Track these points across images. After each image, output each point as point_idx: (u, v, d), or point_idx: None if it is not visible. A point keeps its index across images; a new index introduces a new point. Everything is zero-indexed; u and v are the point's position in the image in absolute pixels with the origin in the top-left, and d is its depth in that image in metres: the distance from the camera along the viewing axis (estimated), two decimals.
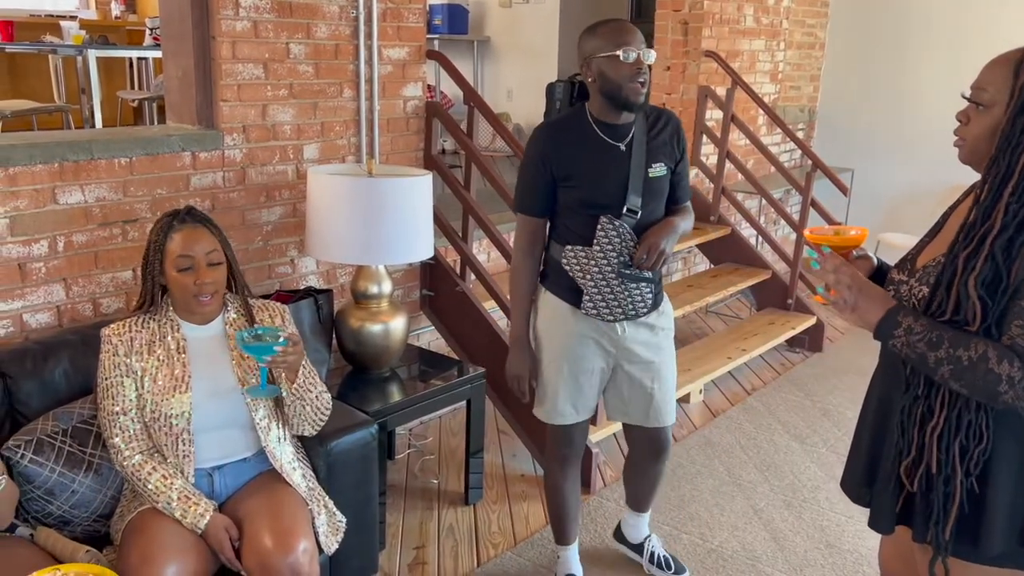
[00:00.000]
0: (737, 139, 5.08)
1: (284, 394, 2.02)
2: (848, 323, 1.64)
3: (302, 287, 3.03)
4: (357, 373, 2.92)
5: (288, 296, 2.81)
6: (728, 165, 4.85)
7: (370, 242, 2.65)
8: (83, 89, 5.46)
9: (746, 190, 5.11)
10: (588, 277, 2.20)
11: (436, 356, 3.22)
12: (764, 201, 5.05)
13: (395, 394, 2.81)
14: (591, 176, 2.17)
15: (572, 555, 2.61)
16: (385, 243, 2.66)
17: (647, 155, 2.18)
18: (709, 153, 4.99)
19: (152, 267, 1.99)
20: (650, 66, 2.13)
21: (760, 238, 5.08)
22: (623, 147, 2.18)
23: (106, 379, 1.96)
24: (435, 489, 3.19)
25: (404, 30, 3.25)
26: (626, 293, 2.21)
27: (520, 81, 7.63)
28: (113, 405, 1.95)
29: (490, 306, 3.40)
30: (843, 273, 1.43)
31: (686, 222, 2.30)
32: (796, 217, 4.80)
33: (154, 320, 2.02)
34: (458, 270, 3.47)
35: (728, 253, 4.96)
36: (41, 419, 2.06)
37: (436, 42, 7.18)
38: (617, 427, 3.43)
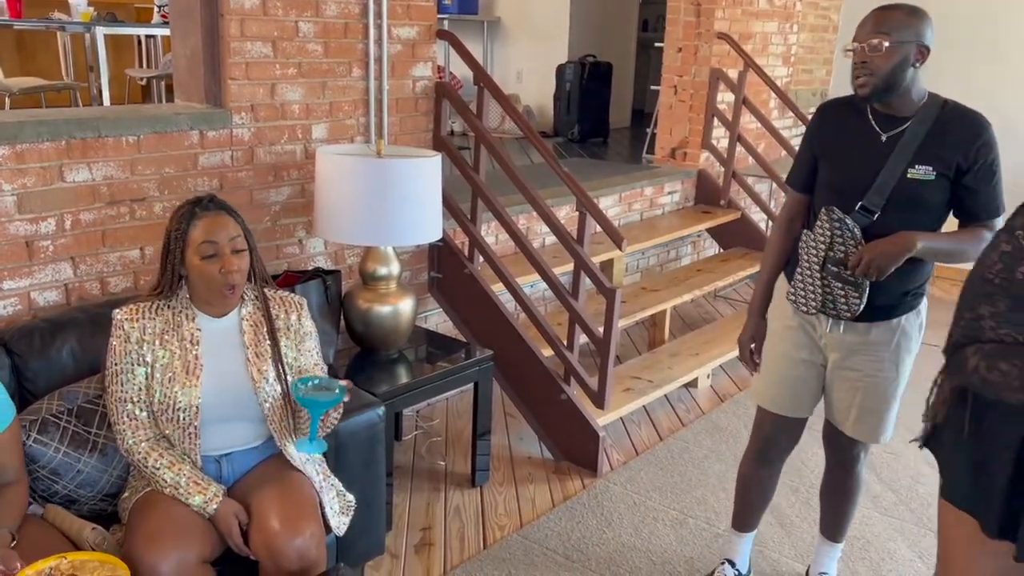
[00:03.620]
0: (748, 122, 5.03)
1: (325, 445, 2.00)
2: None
3: (310, 268, 3.02)
4: (365, 354, 2.91)
5: (296, 277, 2.80)
6: (739, 149, 4.81)
7: (378, 223, 2.63)
8: (91, 67, 5.44)
9: (757, 174, 5.06)
10: (801, 263, 2.13)
11: (444, 338, 3.21)
12: (775, 185, 5.01)
13: (402, 376, 2.81)
14: (841, 159, 2.10)
15: (741, 544, 2.57)
16: (393, 224, 2.65)
17: (915, 153, 1.98)
18: (720, 136, 4.94)
19: (173, 256, 1.93)
20: (889, 47, 1.93)
21: (770, 222, 5.05)
22: (885, 138, 2.02)
23: (116, 365, 1.93)
24: (442, 471, 3.19)
25: (414, 9, 3.22)
26: (827, 289, 2.09)
27: (530, 62, 7.58)
28: (121, 392, 1.93)
29: (498, 289, 3.39)
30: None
31: (957, 243, 2.01)
32: None
33: (169, 308, 1.98)
34: (466, 252, 3.45)
35: (738, 237, 4.93)
36: (47, 398, 2.06)
37: (446, 22, 7.14)
38: (624, 411, 3.43)
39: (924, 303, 2.19)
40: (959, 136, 1.97)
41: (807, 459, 3.35)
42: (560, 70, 7.06)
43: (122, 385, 1.93)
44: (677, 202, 4.96)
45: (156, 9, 6.55)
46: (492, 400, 3.08)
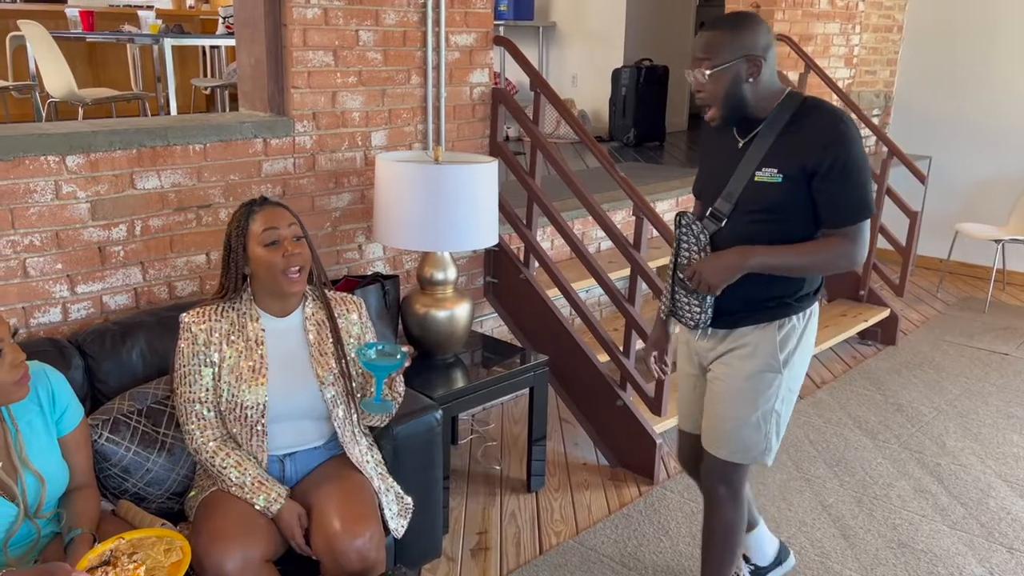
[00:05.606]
0: None
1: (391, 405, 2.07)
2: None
3: (369, 273, 3.07)
4: (422, 358, 2.93)
5: (356, 282, 2.85)
6: None
7: (436, 229, 2.66)
8: (159, 77, 5.61)
9: None
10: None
11: (499, 343, 3.22)
12: None
13: (459, 380, 2.83)
14: (707, 166, 2.09)
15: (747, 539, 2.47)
16: (451, 230, 2.67)
17: (763, 156, 1.90)
18: None
19: (235, 253, 2.00)
20: (712, 74, 1.86)
21: None
22: (741, 143, 1.95)
23: (184, 367, 1.99)
24: (497, 475, 3.20)
25: (471, 16, 3.24)
26: (676, 296, 2.06)
27: (585, 67, 7.56)
28: (189, 393, 1.98)
29: (553, 294, 3.38)
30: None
31: (801, 256, 1.91)
32: None
33: (233, 309, 2.04)
34: (522, 257, 3.46)
35: None
36: (118, 398, 2.13)
37: (501, 28, 7.16)
38: None
39: (801, 316, 2.02)
40: (807, 136, 1.86)
41: (870, 469, 3.27)
42: (616, 74, 7.03)
43: (190, 386, 1.98)
44: None
45: (221, 20, 6.73)
46: (547, 405, 3.08)
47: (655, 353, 2.29)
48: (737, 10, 1.90)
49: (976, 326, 4.99)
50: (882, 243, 4.68)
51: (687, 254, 2.00)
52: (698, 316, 2.01)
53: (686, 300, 2.02)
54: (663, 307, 2.15)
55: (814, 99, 1.93)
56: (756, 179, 1.90)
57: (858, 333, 4.56)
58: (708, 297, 1.97)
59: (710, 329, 2.05)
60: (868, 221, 1.90)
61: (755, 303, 1.99)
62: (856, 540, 2.82)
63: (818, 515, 2.96)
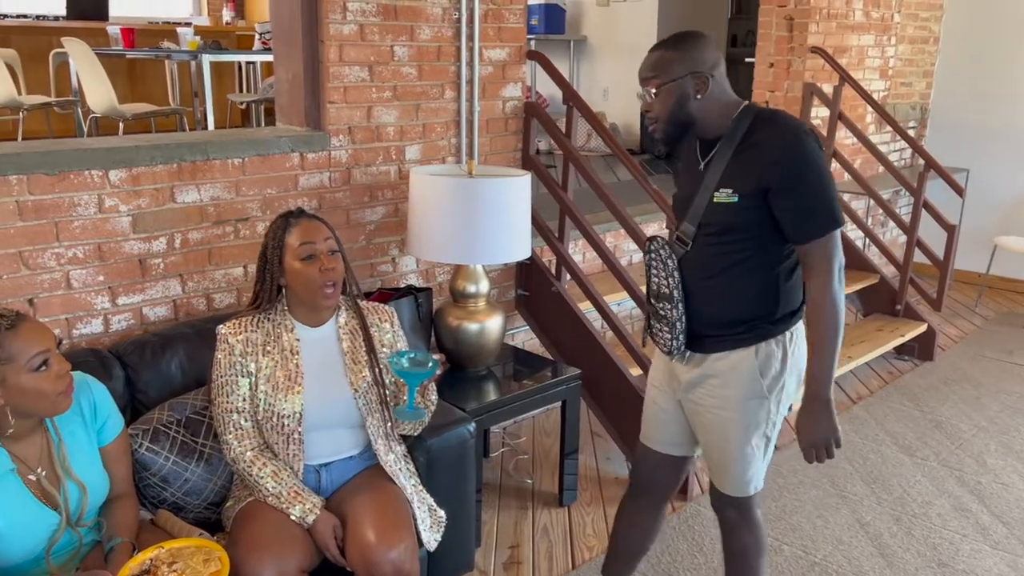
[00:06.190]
0: (844, 137, 4.90)
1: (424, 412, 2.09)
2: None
3: (403, 285, 3.09)
4: (454, 371, 2.94)
5: (389, 294, 2.87)
6: (834, 164, 4.68)
7: (469, 242, 2.67)
8: (196, 92, 5.71)
9: (853, 191, 4.91)
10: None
11: (531, 356, 3.22)
12: (872, 202, 4.86)
13: (491, 393, 2.83)
14: (676, 190, 2.04)
15: None
16: (484, 243, 2.68)
17: (720, 176, 1.85)
18: None
19: (271, 265, 2.03)
20: (659, 93, 1.85)
21: (868, 241, 4.89)
22: (703, 164, 1.90)
23: (221, 377, 2.02)
24: (529, 489, 3.20)
25: (505, 31, 3.26)
26: (650, 320, 2.02)
27: (616, 80, 7.56)
28: (227, 403, 2.01)
29: (585, 307, 3.38)
30: None
31: (819, 334, 1.83)
32: (907, 219, 4.59)
33: (269, 320, 2.07)
34: (553, 270, 3.46)
35: None
36: (158, 409, 2.16)
37: (533, 42, 7.20)
38: None
39: (779, 341, 1.93)
40: (759, 152, 1.80)
41: (909, 486, 3.21)
42: None
43: (227, 396, 2.01)
44: None
45: (257, 36, 6.84)
46: (579, 419, 3.07)
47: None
48: (685, 30, 1.88)
49: (1016, 341, 4.89)
50: (919, 257, 4.61)
51: (656, 279, 1.96)
52: (671, 343, 1.96)
53: (658, 326, 1.98)
54: (644, 332, 2.10)
55: (768, 112, 1.88)
56: (715, 200, 1.85)
57: (895, 348, 4.49)
58: (678, 323, 1.93)
59: (687, 353, 1.98)
60: (838, 233, 1.82)
61: (727, 326, 1.92)
62: (894, 559, 2.77)
63: (855, 533, 2.92)
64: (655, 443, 2.16)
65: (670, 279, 1.92)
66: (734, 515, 2.10)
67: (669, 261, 1.92)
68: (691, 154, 1.96)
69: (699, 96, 1.84)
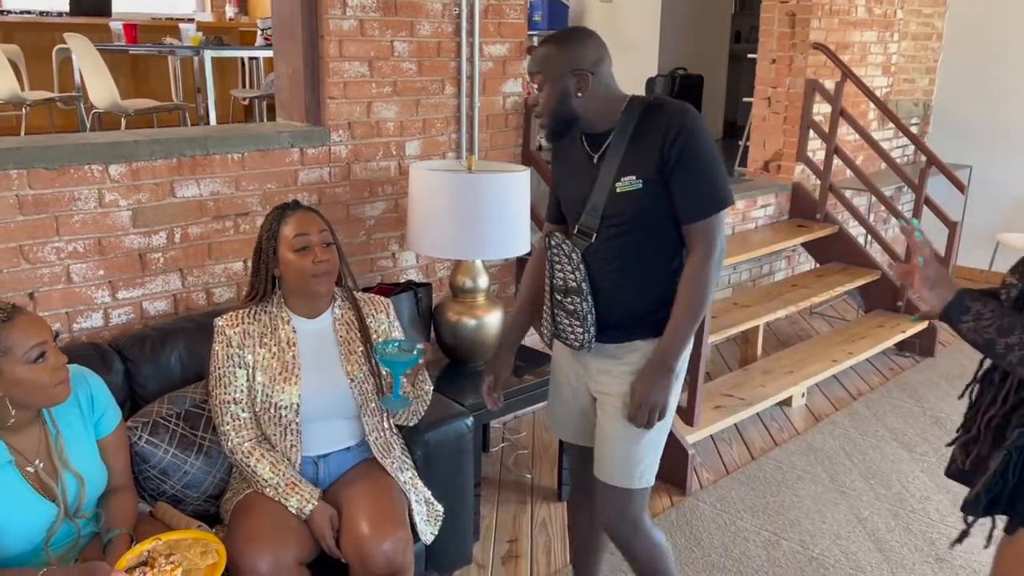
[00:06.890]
0: (846, 134, 4.89)
1: (410, 399, 2.08)
2: (925, 303, 1.55)
3: (403, 280, 3.09)
4: (453, 365, 2.95)
5: (389, 289, 2.87)
6: (836, 161, 4.68)
7: (469, 237, 2.68)
8: (199, 88, 5.71)
9: (855, 187, 4.91)
10: (545, 293, 2.03)
11: (530, 351, 3.22)
12: (874, 199, 4.85)
13: None
14: (564, 188, 2.02)
15: None
16: (483, 238, 2.69)
17: (619, 165, 1.86)
18: (816, 149, 4.82)
19: (266, 256, 2.04)
20: (542, 88, 1.87)
21: (869, 237, 4.88)
22: (595, 159, 1.90)
23: (219, 369, 2.04)
24: (528, 484, 3.20)
25: (505, 26, 3.27)
26: (556, 318, 1.99)
27: (620, 75, 7.54)
28: (225, 395, 2.02)
29: None
30: (932, 250, 1.55)
31: (684, 309, 1.85)
32: (909, 216, 4.58)
33: (265, 312, 2.08)
34: None
35: (835, 252, 4.78)
36: (157, 402, 2.17)
37: (535, 38, 7.19)
38: (714, 429, 3.37)
39: None
40: (653, 134, 1.82)
41: (907, 482, 3.21)
42: (650, 83, 7.01)
43: (225, 388, 2.02)
44: (771, 215, 4.85)
45: (259, 32, 6.84)
46: None
47: (490, 380, 2.17)
48: (571, 26, 1.90)
49: None
50: None
51: (561, 273, 1.94)
52: (582, 336, 1.94)
53: (567, 322, 1.96)
54: (545, 332, 2.06)
55: (658, 99, 1.91)
56: (617, 190, 1.85)
57: (896, 344, 4.49)
58: (589, 316, 1.92)
59: (595, 344, 1.96)
60: (722, 215, 1.85)
61: (635, 317, 1.93)
62: (892, 554, 2.78)
63: (853, 528, 2.92)
64: (564, 434, 2.19)
65: (576, 272, 1.91)
66: (626, 529, 2.05)
67: (574, 255, 1.90)
68: (578, 151, 1.95)
69: (580, 94, 1.85)
